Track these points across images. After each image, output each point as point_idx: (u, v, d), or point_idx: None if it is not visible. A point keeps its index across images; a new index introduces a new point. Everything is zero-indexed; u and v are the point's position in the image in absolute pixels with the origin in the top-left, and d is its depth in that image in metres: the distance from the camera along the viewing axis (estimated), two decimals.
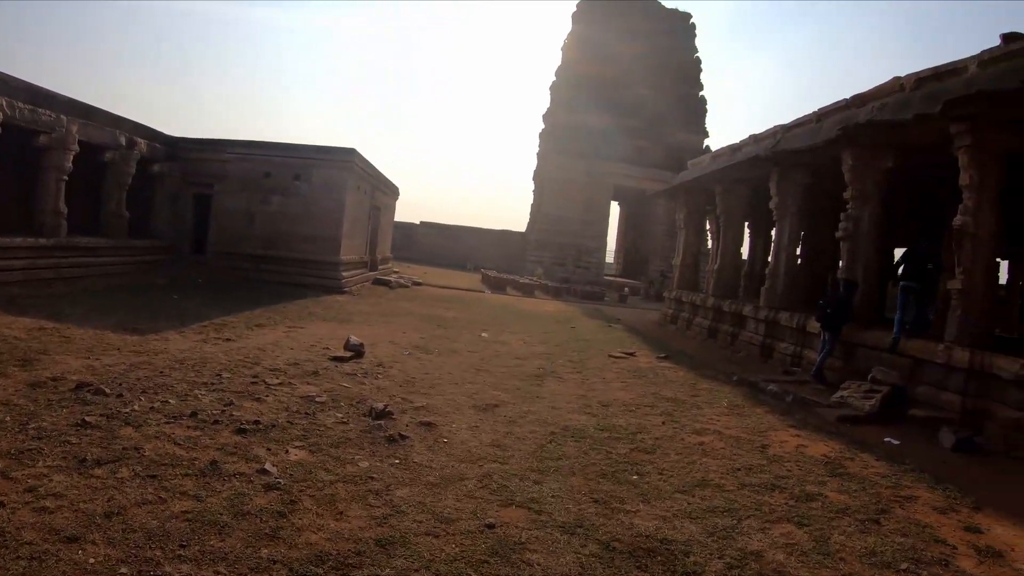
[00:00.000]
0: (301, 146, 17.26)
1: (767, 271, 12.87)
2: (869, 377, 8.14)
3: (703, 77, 34.07)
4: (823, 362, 9.38)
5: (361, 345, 8.63)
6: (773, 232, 14.18)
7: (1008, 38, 7.34)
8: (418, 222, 35.74)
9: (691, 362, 11.05)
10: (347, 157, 17.00)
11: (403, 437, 5.25)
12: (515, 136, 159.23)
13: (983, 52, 7.56)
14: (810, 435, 6.55)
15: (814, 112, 11.75)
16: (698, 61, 33.76)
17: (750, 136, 14.73)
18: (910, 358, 8.11)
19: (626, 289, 27.82)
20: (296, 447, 4.81)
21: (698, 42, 33.76)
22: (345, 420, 5.61)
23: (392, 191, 24.48)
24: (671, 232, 24.64)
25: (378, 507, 3.90)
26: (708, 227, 19.01)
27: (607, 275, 33.28)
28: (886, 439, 6.61)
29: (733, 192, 15.40)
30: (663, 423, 6.63)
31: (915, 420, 7.28)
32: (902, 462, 5.83)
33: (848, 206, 10.15)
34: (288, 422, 5.37)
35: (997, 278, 8.00)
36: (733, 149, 15.64)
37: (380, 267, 22.15)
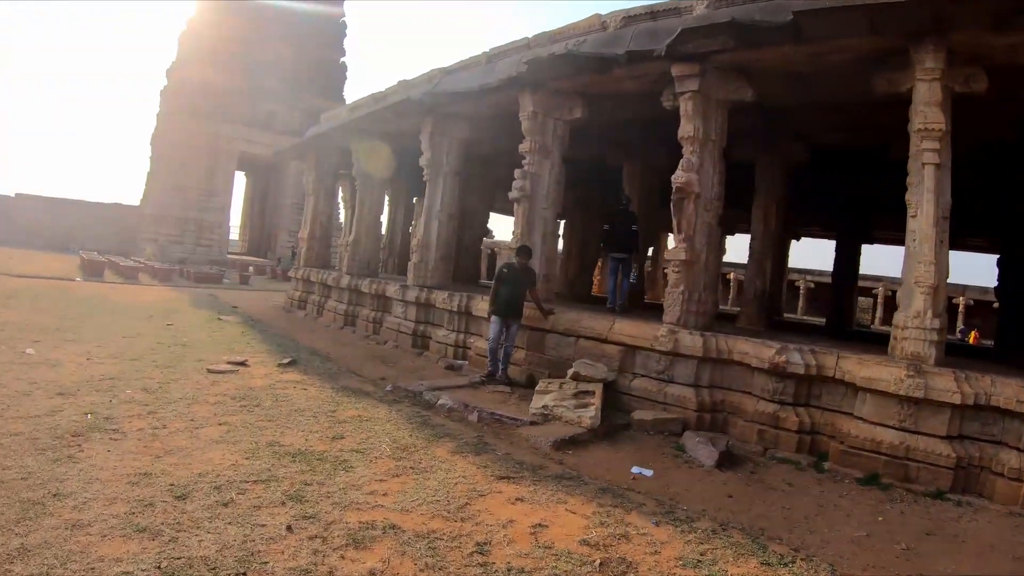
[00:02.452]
0: None
1: (416, 243, 10.45)
2: (570, 373, 6.19)
3: (346, 43, 31.58)
4: (508, 357, 7.21)
5: None
6: (416, 197, 11.92)
7: None
8: (13, 194, 28.09)
9: (326, 367, 7.70)
10: None
11: None
12: (136, 93, 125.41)
13: None
14: (537, 492, 3.87)
15: (483, 53, 9.68)
16: (344, 25, 31.31)
17: (399, 82, 12.10)
18: (620, 345, 6.40)
19: (251, 268, 25.04)
20: None
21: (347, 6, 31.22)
22: None
23: None
24: (302, 205, 21.13)
25: None
26: (342, 194, 15.92)
27: (231, 253, 29.88)
28: (634, 469, 4.52)
29: (374, 149, 12.63)
30: (289, 528, 3.09)
31: (644, 426, 5.51)
32: (689, 517, 3.70)
33: (524, 162, 8.25)
34: None
35: (722, 248, 7.05)
36: (376, 99, 12.84)
37: None
